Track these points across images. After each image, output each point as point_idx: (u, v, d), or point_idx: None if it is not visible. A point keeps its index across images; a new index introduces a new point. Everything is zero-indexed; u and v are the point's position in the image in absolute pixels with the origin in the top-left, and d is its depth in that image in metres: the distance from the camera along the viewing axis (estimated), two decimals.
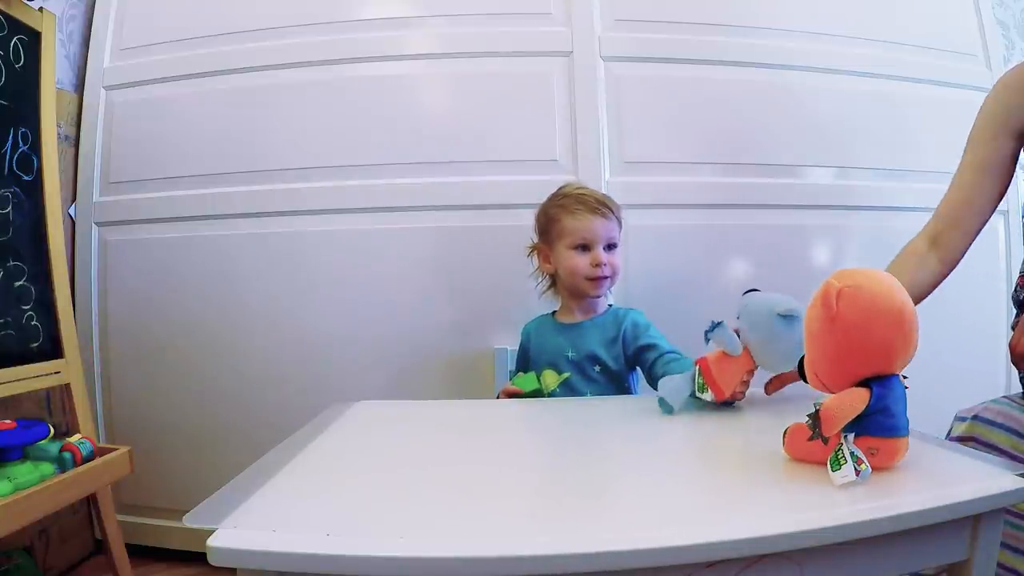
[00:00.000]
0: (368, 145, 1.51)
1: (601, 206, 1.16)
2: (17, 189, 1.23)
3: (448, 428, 0.86)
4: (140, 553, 1.50)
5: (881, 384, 0.57)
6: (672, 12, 1.53)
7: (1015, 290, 1.04)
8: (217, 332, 1.54)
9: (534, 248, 1.24)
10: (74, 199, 1.60)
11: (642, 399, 0.86)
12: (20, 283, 1.22)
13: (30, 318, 1.23)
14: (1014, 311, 1.03)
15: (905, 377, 0.59)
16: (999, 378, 1.57)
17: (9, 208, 1.21)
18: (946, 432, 0.94)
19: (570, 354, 1.15)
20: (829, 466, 0.55)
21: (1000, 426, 0.87)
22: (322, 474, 0.64)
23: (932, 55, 1.62)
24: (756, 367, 0.85)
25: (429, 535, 0.47)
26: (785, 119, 1.54)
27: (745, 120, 1.53)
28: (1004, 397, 0.92)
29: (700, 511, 0.53)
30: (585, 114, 1.49)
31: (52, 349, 1.26)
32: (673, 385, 0.84)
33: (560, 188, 1.23)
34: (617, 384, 1.14)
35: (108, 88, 1.61)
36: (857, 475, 0.53)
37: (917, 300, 0.78)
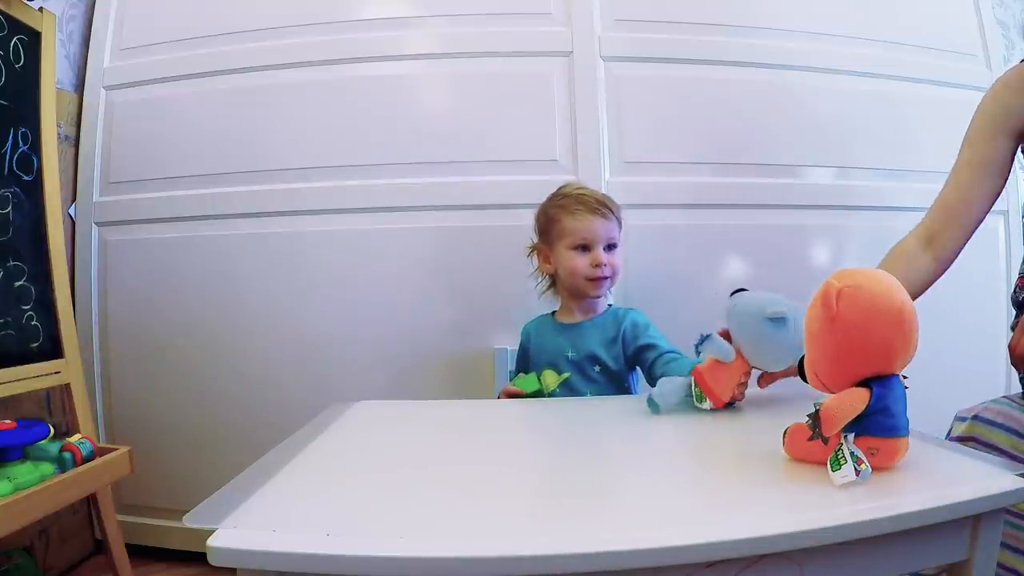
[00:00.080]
0: (368, 145, 1.51)
1: (601, 206, 1.16)
2: (17, 189, 1.23)
3: (448, 428, 0.85)
4: (140, 553, 1.50)
5: (881, 384, 0.57)
6: (672, 12, 1.53)
7: (1015, 291, 1.03)
8: (217, 332, 1.54)
9: (534, 248, 1.24)
10: (74, 199, 1.60)
11: (642, 399, 0.86)
12: (20, 283, 1.22)
13: (30, 318, 1.23)
14: (1014, 312, 1.03)
15: (905, 377, 0.59)
16: (999, 378, 1.57)
17: (9, 208, 1.21)
18: (946, 432, 0.94)
19: (570, 354, 1.15)
20: (829, 466, 0.55)
21: (1000, 426, 0.87)
22: (322, 474, 0.64)
23: (932, 55, 1.62)
24: (751, 368, 0.84)
25: (429, 535, 0.47)
26: (785, 119, 1.54)
27: (745, 120, 1.53)
28: (1004, 397, 0.92)
29: (700, 511, 0.53)
30: (585, 114, 1.49)
31: (52, 349, 1.26)
32: (667, 388, 0.84)
33: (560, 188, 1.23)
34: (617, 384, 1.14)
35: (108, 88, 1.61)
36: (857, 475, 0.53)
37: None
